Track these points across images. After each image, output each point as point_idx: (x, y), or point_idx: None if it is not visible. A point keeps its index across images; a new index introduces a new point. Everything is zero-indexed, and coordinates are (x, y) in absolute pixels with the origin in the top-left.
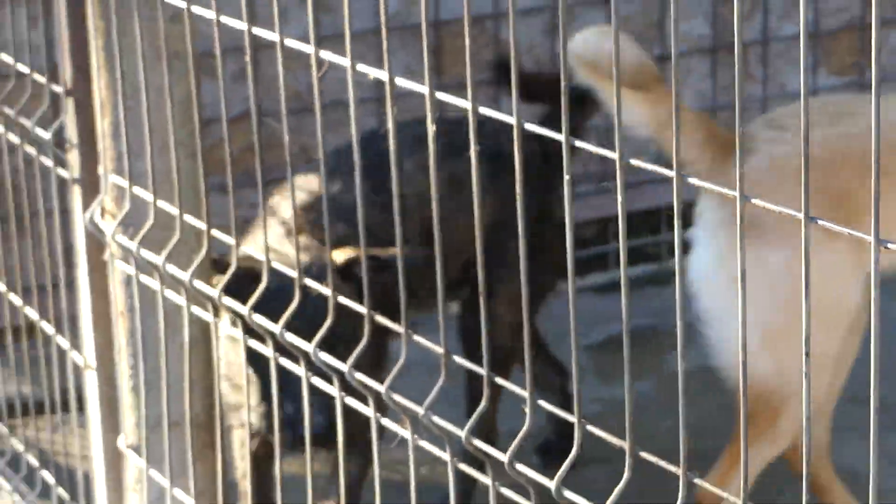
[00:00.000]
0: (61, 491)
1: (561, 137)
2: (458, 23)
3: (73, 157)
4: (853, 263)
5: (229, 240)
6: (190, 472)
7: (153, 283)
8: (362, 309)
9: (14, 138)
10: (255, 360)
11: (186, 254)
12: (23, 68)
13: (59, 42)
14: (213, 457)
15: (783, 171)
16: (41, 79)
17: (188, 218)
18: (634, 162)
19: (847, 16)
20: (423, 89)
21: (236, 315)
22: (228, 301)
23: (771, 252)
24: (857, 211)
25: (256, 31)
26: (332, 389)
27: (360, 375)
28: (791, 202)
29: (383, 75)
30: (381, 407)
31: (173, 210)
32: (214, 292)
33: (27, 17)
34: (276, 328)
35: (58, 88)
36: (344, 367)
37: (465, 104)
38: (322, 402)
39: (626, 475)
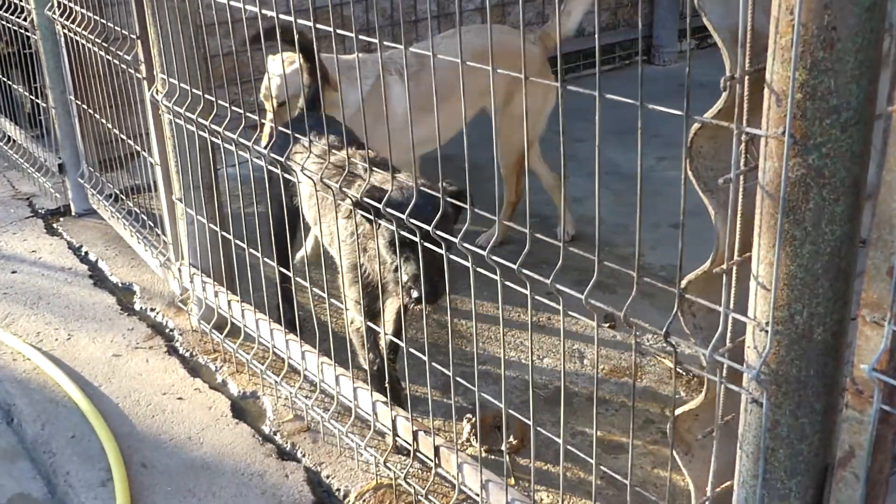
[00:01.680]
0: (150, 223)
1: None
2: None
3: (143, 68)
4: (545, 96)
5: (223, 103)
6: (203, 206)
7: (180, 122)
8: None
9: (117, 62)
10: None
11: (195, 108)
12: (119, 30)
13: (134, 14)
14: (211, 200)
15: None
16: (127, 33)
17: (195, 91)
18: None
19: None
20: None
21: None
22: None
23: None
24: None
25: (234, 4)
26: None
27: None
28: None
29: None
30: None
31: (187, 88)
32: (219, 129)
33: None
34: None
35: (133, 36)
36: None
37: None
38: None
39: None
